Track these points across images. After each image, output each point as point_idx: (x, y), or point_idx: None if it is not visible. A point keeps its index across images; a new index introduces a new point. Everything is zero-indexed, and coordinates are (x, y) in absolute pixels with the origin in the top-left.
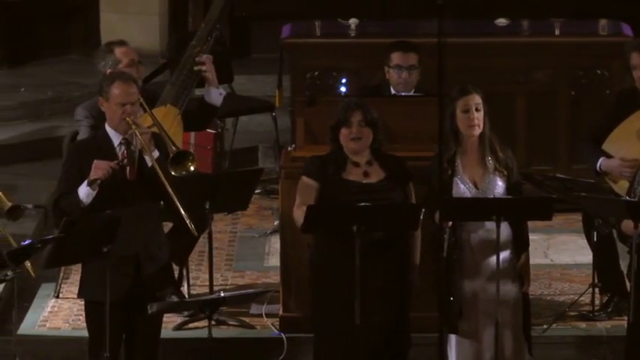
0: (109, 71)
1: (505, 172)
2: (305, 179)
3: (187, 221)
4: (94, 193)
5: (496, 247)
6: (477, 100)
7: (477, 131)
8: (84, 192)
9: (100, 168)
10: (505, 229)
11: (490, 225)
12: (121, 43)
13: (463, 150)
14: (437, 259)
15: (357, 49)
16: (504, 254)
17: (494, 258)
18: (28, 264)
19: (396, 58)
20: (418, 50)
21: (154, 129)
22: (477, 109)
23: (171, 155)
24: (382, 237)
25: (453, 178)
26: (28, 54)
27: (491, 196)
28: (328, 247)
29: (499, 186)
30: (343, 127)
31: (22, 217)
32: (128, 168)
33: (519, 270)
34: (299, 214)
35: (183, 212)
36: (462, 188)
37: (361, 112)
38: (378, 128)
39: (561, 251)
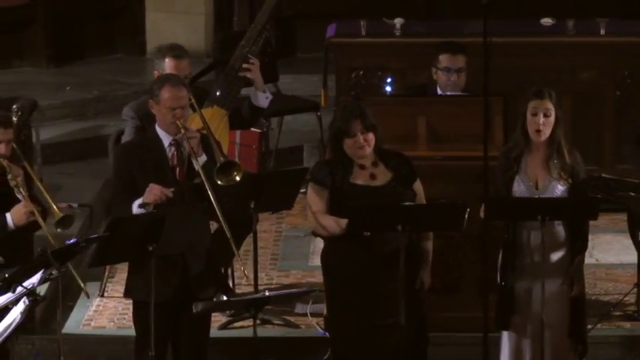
0: (155, 73)
1: (568, 179)
2: (315, 186)
3: (226, 228)
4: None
5: (547, 247)
6: (546, 105)
7: (542, 137)
8: (136, 211)
9: (153, 193)
10: (562, 230)
11: (547, 225)
12: (176, 55)
13: (530, 150)
14: (482, 258)
15: (402, 48)
16: (558, 255)
17: (548, 258)
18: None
19: (444, 60)
20: (466, 51)
21: (204, 131)
22: (545, 115)
23: (218, 165)
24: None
25: (515, 176)
26: (73, 53)
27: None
28: (342, 248)
29: (559, 190)
30: (346, 137)
31: (72, 224)
32: (178, 169)
33: (571, 272)
34: (328, 222)
35: (222, 219)
36: (521, 187)
37: (360, 121)
38: (378, 129)
39: (606, 251)
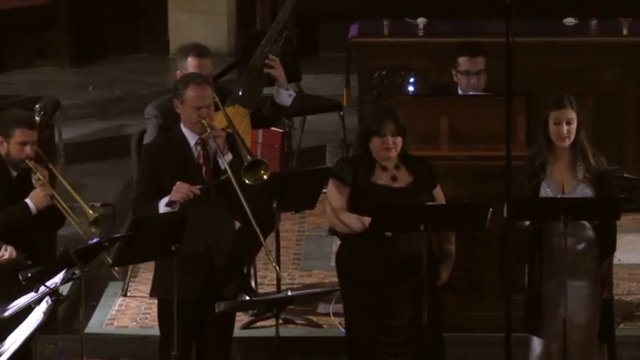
0: (178, 73)
1: (595, 181)
2: (336, 182)
3: (255, 226)
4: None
5: (575, 249)
6: (569, 115)
7: (567, 143)
8: (162, 210)
9: (180, 191)
10: (589, 232)
11: (573, 226)
12: (199, 54)
13: (555, 156)
14: (504, 259)
15: (425, 48)
16: (586, 257)
17: (575, 260)
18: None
19: (464, 63)
20: (485, 52)
21: (229, 130)
22: (568, 123)
23: (246, 164)
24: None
25: (541, 182)
26: (96, 53)
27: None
28: (357, 249)
29: (586, 193)
30: (375, 136)
31: (103, 224)
32: (204, 168)
33: (601, 275)
34: (350, 219)
35: (251, 217)
36: (549, 193)
37: (394, 123)
38: (407, 134)
39: (629, 251)
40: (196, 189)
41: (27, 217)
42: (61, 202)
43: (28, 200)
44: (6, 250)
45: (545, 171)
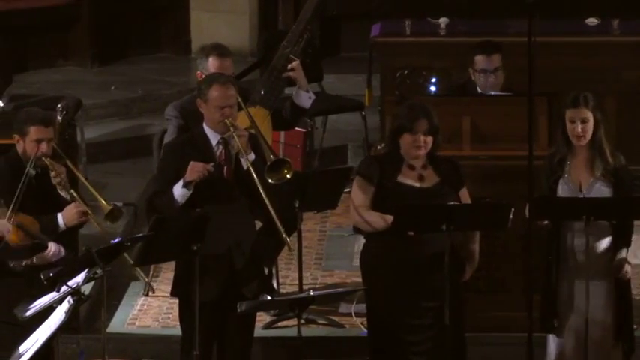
0: (198, 73)
1: (612, 179)
2: (361, 181)
3: (278, 226)
4: (189, 193)
5: (592, 247)
6: (583, 114)
7: (583, 142)
8: (179, 192)
9: (195, 170)
10: (607, 230)
11: (591, 225)
12: (220, 54)
13: (573, 153)
14: (526, 258)
15: (447, 48)
16: (603, 255)
17: (593, 258)
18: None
19: (480, 62)
20: (501, 49)
21: (251, 130)
22: (582, 122)
23: (269, 164)
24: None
25: (559, 180)
26: (118, 52)
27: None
28: (381, 249)
29: (603, 192)
30: (407, 133)
31: (120, 218)
32: (225, 167)
33: (612, 271)
34: (373, 217)
35: (275, 217)
36: (566, 190)
37: (427, 121)
38: (438, 134)
39: None
40: (210, 167)
41: (54, 232)
42: (92, 219)
43: (59, 216)
44: (50, 249)
45: (564, 168)
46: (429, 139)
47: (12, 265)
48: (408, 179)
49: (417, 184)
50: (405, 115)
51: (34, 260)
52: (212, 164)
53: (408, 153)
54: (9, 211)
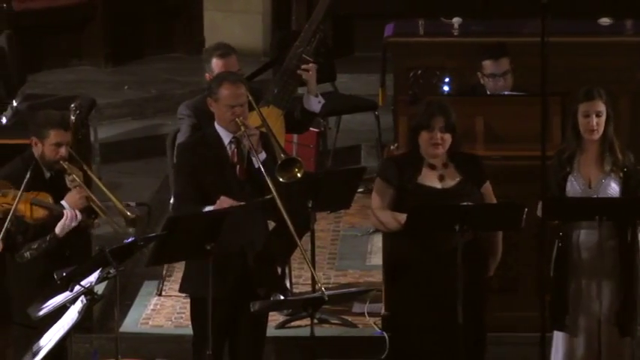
0: (207, 75)
1: (621, 175)
2: (381, 183)
3: (289, 225)
4: None
5: (597, 245)
6: (598, 107)
7: (596, 136)
8: None
9: (223, 207)
10: (615, 228)
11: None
12: (222, 54)
13: (582, 149)
14: (539, 258)
15: (460, 48)
16: (612, 253)
17: (603, 256)
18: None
19: (488, 66)
20: (509, 52)
21: (263, 129)
22: (597, 115)
23: (279, 162)
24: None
25: (568, 176)
26: (132, 52)
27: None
28: (404, 248)
29: (612, 188)
30: (424, 130)
31: (141, 224)
32: (238, 167)
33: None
34: (386, 217)
35: (286, 217)
36: (575, 186)
37: (444, 118)
38: (457, 132)
39: None
40: (240, 205)
41: (60, 218)
42: (96, 202)
43: (64, 202)
44: (68, 214)
45: (573, 164)
46: (447, 137)
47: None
48: (429, 180)
49: (439, 185)
50: (421, 112)
51: (57, 232)
52: (242, 204)
53: (427, 151)
54: (17, 196)
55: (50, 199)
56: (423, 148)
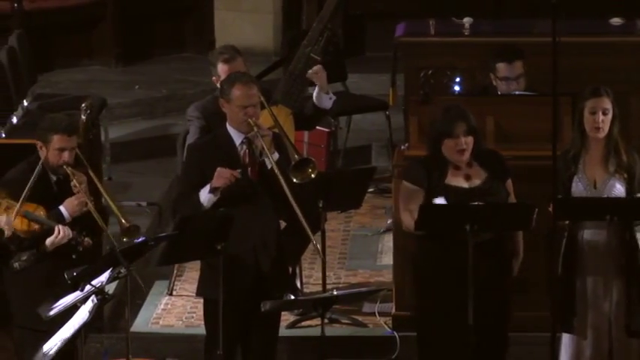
0: (214, 79)
1: (626, 176)
2: (408, 185)
3: (304, 225)
4: (216, 198)
5: (606, 245)
6: (605, 104)
7: (602, 134)
8: (205, 197)
9: (222, 176)
10: (621, 227)
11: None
12: (227, 59)
13: (587, 149)
14: (549, 258)
15: (471, 48)
16: (621, 253)
17: (612, 257)
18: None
19: (502, 69)
20: (523, 55)
21: (275, 129)
22: (604, 113)
23: (293, 163)
24: (489, 237)
25: (573, 176)
26: (142, 52)
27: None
28: (433, 247)
29: (617, 188)
30: (447, 138)
31: (136, 235)
32: (249, 167)
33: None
34: (408, 219)
35: (300, 216)
36: (580, 187)
37: (465, 123)
38: (479, 132)
39: None
40: (237, 172)
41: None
42: (94, 210)
43: (62, 207)
44: (59, 231)
45: (578, 165)
46: (470, 140)
47: (15, 265)
48: (456, 180)
49: (466, 185)
50: (441, 120)
51: (47, 245)
52: (239, 170)
53: (452, 157)
54: (17, 206)
55: (43, 213)
56: (448, 155)
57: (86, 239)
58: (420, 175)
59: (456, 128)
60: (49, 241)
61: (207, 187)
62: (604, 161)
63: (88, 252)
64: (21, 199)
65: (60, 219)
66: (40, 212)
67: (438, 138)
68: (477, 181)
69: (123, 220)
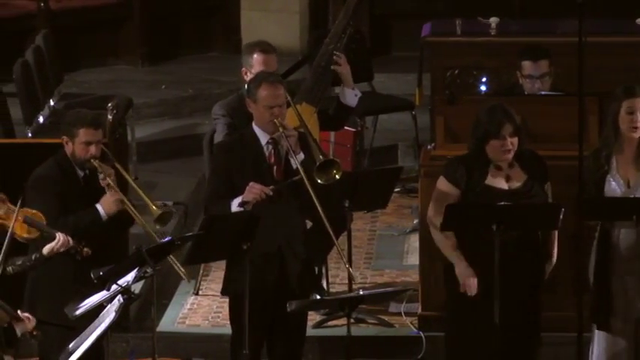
0: (243, 70)
1: None
2: (446, 183)
3: (327, 226)
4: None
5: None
6: None
7: (639, 133)
8: (235, 209)
9: (253, 192)
10: None
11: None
12: (264, 50)
13: (621, 148)
14: (576, 258)
15: (497, 47)
16: None
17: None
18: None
19: (527, 67)
20: (549, 55)
21: (300, 129)
22: None
23: (318, 163)
24: (519, 236)
25: (606, 175)
26: (169, 52)
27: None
28: (463, 246)
29: None
30: (494, 139)
31: (170, 220)
32: (275, 167)
33: None
34: (438, 223)
35: (324, 217)
36: (613, 186)
37: (511, 123)
38: (523, 133)
39: None
40: (269, 190)
41: (97, 223)
42: (130, 206)
43: (98, 206)
44: (60, 239)
45: (610, 164)
46: (515, 140)
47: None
48: (496, 181)
49: (506, 186)
50: (487, 121)
51: (44, 253)
52: (271, 187)
53: (497, 157)
54: (16, 208)
55: (44, 221)
56: (493, 155)
57: (85, 249)
58: (459, 175)
59: (503, 129)
60: (47, 248)
61: (239, 199)
62: (637, 162)
63: (116, 252)
64: (17, 206)
65: (96, 217)
66: (42, 220)
67: (483, 138)
68: (517, 183)
69: (154, 207)
